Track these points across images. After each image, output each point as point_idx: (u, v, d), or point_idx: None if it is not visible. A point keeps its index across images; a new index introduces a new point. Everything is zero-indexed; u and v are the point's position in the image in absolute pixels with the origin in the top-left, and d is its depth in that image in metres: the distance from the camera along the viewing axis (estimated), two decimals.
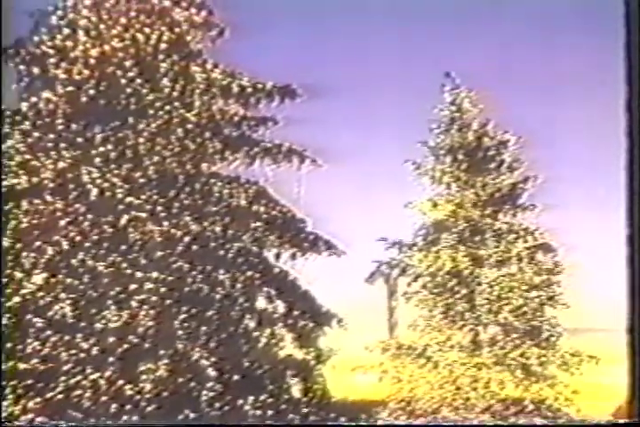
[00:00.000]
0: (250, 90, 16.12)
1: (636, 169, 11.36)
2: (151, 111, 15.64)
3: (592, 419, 16.36)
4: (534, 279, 17.72)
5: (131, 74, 15.72)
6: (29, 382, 14.33)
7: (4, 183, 15.62)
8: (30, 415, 14.55)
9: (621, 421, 13.63)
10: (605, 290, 12.67)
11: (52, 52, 15.62)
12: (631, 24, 10.83)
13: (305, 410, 15.12)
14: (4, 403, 14.53)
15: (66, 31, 15.73)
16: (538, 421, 17.25)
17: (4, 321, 14.61)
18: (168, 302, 14.89)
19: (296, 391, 15.46)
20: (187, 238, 15.27)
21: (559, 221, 17.10)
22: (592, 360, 17.06)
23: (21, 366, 14.47)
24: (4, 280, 14.86)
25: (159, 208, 15.29)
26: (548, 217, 17.63)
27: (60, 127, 15.47)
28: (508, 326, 17.51)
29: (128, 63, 15.75)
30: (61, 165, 15.30)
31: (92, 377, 14.36)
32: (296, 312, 15.85)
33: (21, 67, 15.60)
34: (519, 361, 17.33)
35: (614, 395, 14.16)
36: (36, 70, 15.64)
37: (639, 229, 10.78)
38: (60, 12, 16.08)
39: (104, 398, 14.29)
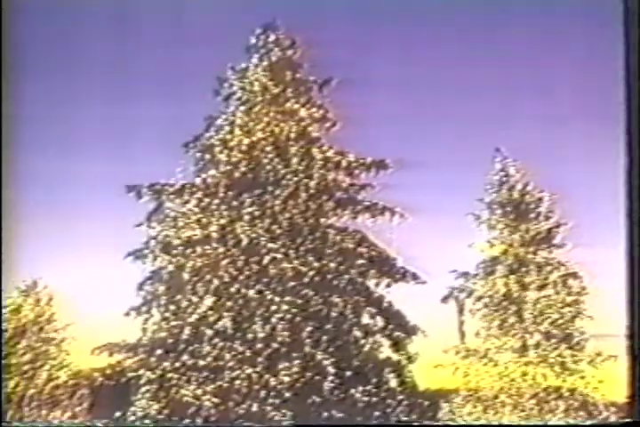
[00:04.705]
0: (354, 164, 18.13)
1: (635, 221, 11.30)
2: (284, 182, 17.79)
3: (613, 401, 17.51)
4: (567, 299, 18.85)
5: (270, 155, 17.97)
6: (205, 373, 16.60)
7: (185, 235, 17.53)
8: (208, 396, 16.28)
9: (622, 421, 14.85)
10: (621, 305, 11.97)
11: (217, 143, 18.04)
12: None
13: (399, 397, 17.01)
14: (185, 391, 16.39)
15: (227, 129, 18.19)
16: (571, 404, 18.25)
17: (187, 332, 16.77)
18: (298, 318, 16.87)
19: (393, 383, 17.29)
20: (311, 273, 17.27)
21: (584, 256, 18.56)
22: (612, 358, 18.22)
23: (200, 362, 16.63)
24: (186, 303, 16.95)
25: (290, 251, 17.33)
26: (576, 252, 19.01)
27: (222, 195, 17.69)
28: (548, 334, 18.59)
29: (268, 148, 18.04)
30: (222, 221, 17.47)
31: (247, 372, 16.57)
32: (391, 326, 17.57)
33: (198, 155, 17.94)
34: (557, 360, 18.44)
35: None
36: (207, 156, 18.06)
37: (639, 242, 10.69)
38: (224, 116, 18.24)
39: (256, 387, 16.49)
